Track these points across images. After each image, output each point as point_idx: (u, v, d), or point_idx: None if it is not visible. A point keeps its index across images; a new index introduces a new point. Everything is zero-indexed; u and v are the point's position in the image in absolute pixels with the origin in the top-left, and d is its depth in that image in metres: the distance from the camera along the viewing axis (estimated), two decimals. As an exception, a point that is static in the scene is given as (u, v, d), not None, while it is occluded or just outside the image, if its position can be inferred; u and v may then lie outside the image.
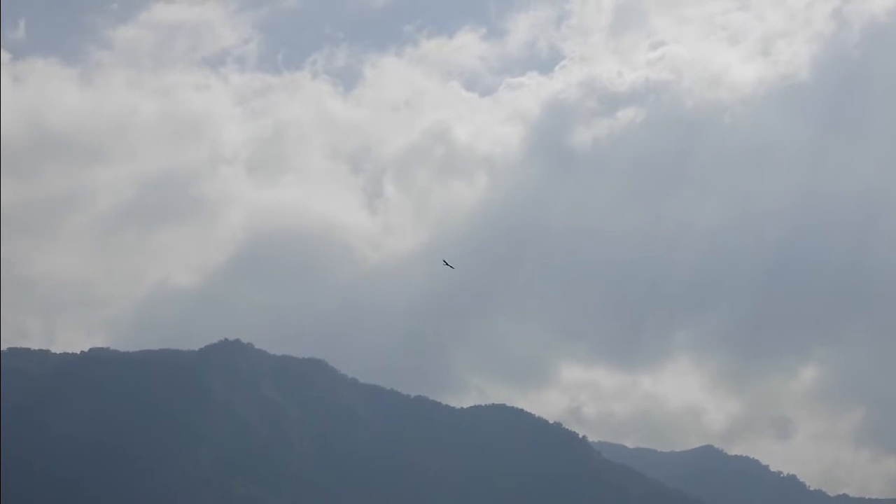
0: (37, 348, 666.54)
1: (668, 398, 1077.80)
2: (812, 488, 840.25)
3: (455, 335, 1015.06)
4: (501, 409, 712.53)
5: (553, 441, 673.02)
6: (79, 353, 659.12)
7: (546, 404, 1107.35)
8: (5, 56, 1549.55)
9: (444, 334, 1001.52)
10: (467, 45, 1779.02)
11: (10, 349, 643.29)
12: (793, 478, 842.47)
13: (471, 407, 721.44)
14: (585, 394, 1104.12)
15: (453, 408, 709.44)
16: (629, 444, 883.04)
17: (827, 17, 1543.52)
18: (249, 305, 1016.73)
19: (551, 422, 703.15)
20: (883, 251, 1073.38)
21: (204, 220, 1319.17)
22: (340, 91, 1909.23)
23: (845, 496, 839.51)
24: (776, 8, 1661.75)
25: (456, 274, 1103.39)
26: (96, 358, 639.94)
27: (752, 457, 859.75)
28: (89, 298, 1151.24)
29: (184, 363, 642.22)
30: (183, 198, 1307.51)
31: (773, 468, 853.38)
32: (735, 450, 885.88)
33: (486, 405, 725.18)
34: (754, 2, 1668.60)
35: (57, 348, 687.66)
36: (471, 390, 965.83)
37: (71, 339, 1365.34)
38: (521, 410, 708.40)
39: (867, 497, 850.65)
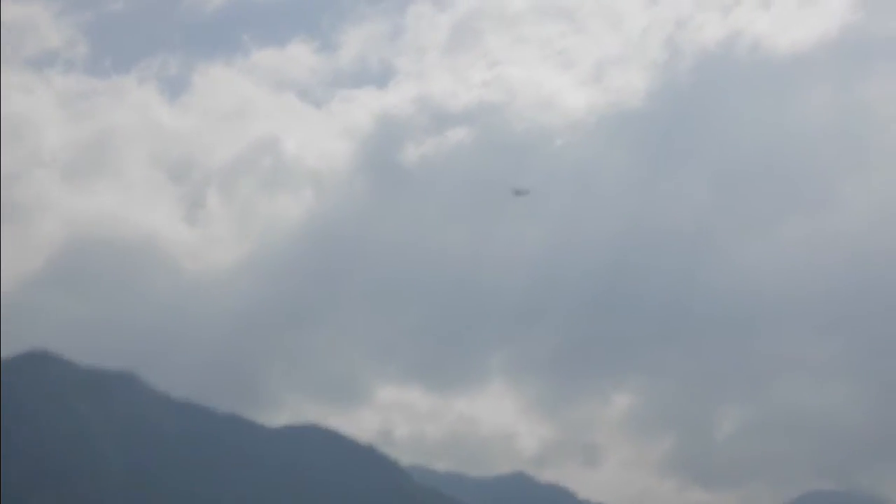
0: None
1: (482, 421, 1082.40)
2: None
3: (272, 351, 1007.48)
4: (314, 429, 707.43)
5: (365, 463, 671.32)
6: None
7: (359, 424, 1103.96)
8: None
9: (262, 350, 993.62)
10: (299, 57, 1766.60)
11: None
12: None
13: (283, 427, 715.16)
14: (399, 414, 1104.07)
15: (265, 427, 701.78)
16: (441, 467, 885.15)
17: (661, 45, 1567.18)
18: (61, 315, 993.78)
19: (363, 443, 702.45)
20: (702, 284, 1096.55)
21: (16, 226, 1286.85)
22: (167, 98, 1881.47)
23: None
24: (612, 33, 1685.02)
25: (275, 289, 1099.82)
26: None
27: (561, 484, 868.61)
28: None
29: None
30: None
31: (582, 495, 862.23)
32: (546, 475, 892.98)
33: (298, 425, 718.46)
34: (591, 26, 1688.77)
35: None
36: (286, 409, 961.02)
37: None
38: (334, 432, 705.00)
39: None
